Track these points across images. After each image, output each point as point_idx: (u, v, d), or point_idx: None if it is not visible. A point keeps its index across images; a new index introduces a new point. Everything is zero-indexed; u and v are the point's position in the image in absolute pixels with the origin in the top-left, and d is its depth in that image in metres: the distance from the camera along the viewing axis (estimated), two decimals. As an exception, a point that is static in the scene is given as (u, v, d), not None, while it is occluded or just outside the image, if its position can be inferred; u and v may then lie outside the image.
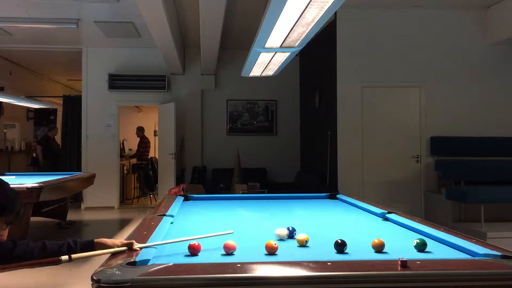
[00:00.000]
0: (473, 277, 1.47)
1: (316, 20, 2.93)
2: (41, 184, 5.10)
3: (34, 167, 10.08)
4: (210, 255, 1.75)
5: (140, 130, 10.72)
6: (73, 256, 1.68)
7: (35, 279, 4.35)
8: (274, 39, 3.46)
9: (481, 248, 1.75)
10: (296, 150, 9.45)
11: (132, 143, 11.53)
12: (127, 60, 9.12)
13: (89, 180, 7.13)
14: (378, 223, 2.59)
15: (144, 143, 10.69)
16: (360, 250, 1.84)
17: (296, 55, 5.41)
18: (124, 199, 9.84)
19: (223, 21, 5.84)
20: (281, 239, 2.04)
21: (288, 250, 1.85)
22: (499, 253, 1.67)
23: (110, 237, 6.56)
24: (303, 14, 2.81)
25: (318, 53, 7.90)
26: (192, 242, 1.77)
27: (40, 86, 11.73)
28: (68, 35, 8.09)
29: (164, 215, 2.58)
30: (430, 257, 1.73)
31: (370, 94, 6.81)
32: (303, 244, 1.91)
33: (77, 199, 9.13)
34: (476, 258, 1.68)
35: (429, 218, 6.14)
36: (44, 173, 6.98)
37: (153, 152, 11.49)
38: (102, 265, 1.54)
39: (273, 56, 4.18)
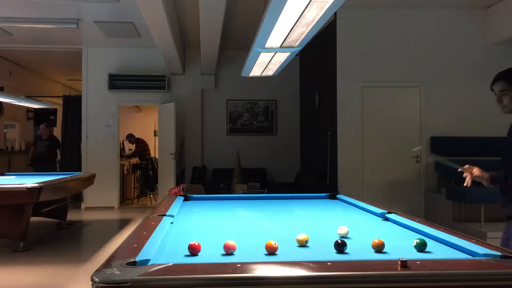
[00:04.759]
0: (473, 277, 1.47)
1: (316, 20, 2.93)
2: (41, 184, 5.10)
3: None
4: (210, 255, 1.75)
5: (130, 137, 10.71)
6: None
7: (35, 279, 4.35)
8: (274, 39, 3.46)
9: (481, 248, 1.74)
10: (296, 150, 9.45)
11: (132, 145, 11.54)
12: (127, 60, 9.13)
13: (89, 180, 7.13)
14: (378, 223, 2.59)
15: (140, 143, 10.70)
16: (360, 250, 1.84)
17: (296, 55, 5.41)
18: (124, 199, 9.85)
19: (223, 21, 5.84)
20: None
21: (288, 250, 1.84)
22: (499, 253, 1.67)
23: (110, 237, 6.58)
24: (303, 14, 2.81)
25: (318, 53, 7.91)
26: (192, 242, 1.77)
27: (40, 86, 11.73)
28: (68, 35, 8.09)
29: (164, 215, 2.58)
30: (430, 257, 1.72)
31: (370, 94, 6.81)
32: (303, 244, 1.91)
33: (77, 199, 9.13)
34: (476, 258, 1.67)
35: (429, 218, 6.14)
36: (44, 173, 6.98)
37: (153, 152, 11.50)
38: (102, 265, 1.54)
39: (273, 56, 4.17)
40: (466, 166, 2.64)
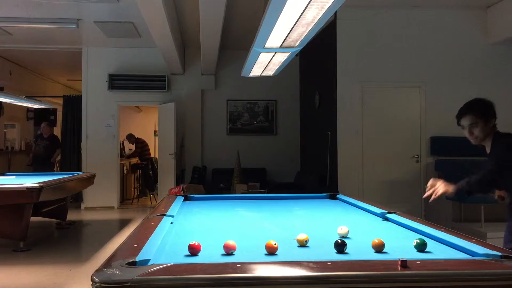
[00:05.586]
0: (473, 277, 1.47)
1: (316, 20, 2.93)
2: (41, 184, 5.10)
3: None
4: (210, 255, 1.75)
5: (130, 137, 10.70)
6: None
7: (35, 279, 4.35)
8: (274, 39, 3.46)
9: (481, 248, 1.74)
10: (296, 150, 9.45)
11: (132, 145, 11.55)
12: (127, 60, 9.13)
13: (89, 180, 7.13)
14: (378, 223, 2.59)
15: (140, 143, 10.70)
16: (360, 250, 1.84)
17: (296, 55, 5.40)
18: (124, 199, 9.85)
19: (223, 21, 5.84)
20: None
21: (288, 250, 1.84)
22: (499, 253, 1.67)
23: (110, 237, 6.58)
24: (303, 14, 2.81)
25: (318, 53, 7.90)
26: (192, 242, 1.77)
27: (40, 86, 11.73)
28: (68, 35, 8.09)
29: (164, 215, 2.58)
30: (430, 257, 1.72)
31: (370, 94, 6.81)
32: (303, 244, 1.91)
33: (77, 199, 9.12)
34: (476, 258, 1.68)
35: (429, 218, 6.14)
36: (44, 173, 6.98)
37: (153, 152, 11.50)
38: (102, 265, 1.54)
39: (273, 56, 4.17)
40: (430, 182, 2.71)
